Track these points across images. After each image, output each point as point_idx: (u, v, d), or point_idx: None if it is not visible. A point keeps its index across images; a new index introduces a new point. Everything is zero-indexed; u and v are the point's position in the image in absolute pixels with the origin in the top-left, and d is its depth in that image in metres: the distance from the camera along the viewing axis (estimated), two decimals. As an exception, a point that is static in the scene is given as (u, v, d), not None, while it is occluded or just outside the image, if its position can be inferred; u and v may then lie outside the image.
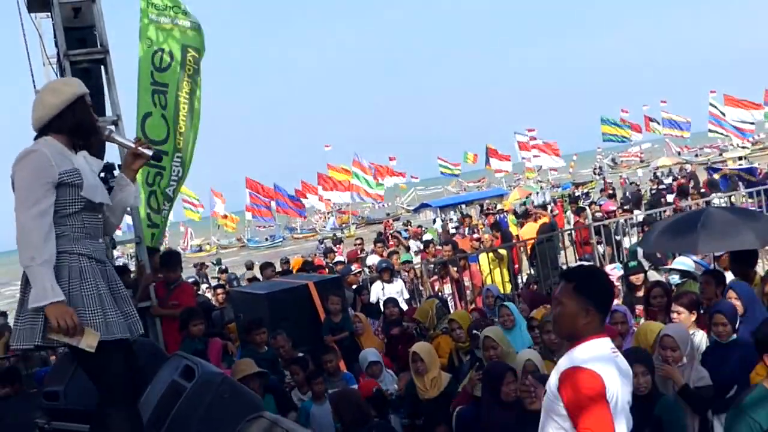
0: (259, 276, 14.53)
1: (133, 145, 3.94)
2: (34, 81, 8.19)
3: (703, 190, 17.49)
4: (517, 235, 15.60)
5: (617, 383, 2.93)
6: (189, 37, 8.24)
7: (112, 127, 5.20)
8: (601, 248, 12.38)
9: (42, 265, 3.40)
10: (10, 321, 19.02)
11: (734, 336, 5.47)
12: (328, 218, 59.04)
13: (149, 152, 3.94)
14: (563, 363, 3.02)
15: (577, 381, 2.89)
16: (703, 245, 6.99)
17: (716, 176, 19.51)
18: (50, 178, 3.50)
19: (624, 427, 2.97)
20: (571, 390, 2.89)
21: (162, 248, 9.13)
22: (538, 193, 40.79)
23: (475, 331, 6.80)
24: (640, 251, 10.12)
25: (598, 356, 2.95)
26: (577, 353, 2.99)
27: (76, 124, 3.70)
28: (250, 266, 19.21)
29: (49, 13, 7.43)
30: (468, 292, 12.30)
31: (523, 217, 17.72)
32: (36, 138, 3.69)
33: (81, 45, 6.81)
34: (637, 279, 7.95)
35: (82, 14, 6.81)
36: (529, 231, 14.90)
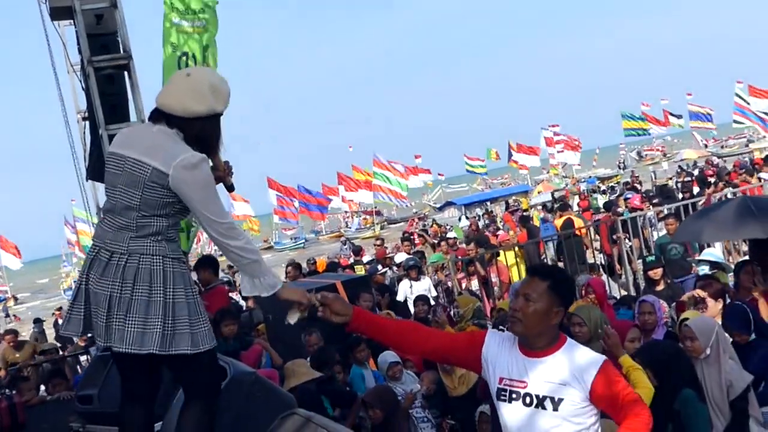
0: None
1: (221, 171, 3.66)
2: (59, 88, 8.28)
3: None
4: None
5: None
6: (207, 35, 8.21)
7: None
8: (628, 242, 12.28)
9: (260, 256, 3.35)
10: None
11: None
12: (353, 219, 59.00)
13: (230, 181, 3.77)
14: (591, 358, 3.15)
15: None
16: None
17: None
18: None
19: None
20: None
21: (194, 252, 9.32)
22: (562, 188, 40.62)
23: (501, 327, 6.77)
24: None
25: None
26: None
27: (214, 137, 3.42)
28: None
29: (72, 21, 7.46)
30: (495, 288, 12.24)
31: (560, 209, 17.11)
32: (154, 118, 3.33)
33: (104, 51, 6.77)
34: (655, 274, 7.83)
35: (105, 21, 6.80)
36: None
